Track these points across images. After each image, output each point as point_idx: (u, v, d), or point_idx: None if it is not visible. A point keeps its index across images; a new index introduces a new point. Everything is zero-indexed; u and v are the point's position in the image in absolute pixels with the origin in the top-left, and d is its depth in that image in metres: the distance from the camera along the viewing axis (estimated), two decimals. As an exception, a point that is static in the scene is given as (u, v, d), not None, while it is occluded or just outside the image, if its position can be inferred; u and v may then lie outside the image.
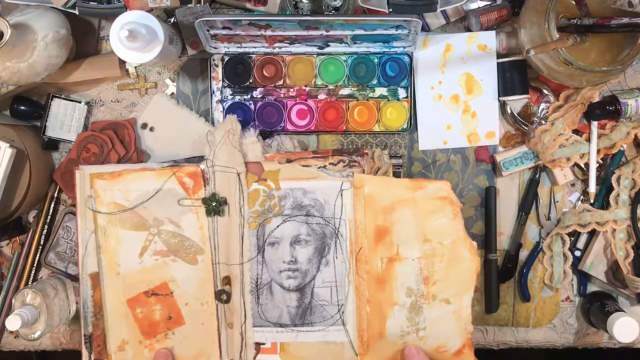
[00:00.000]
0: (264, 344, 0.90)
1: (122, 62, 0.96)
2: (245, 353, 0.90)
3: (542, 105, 0.94)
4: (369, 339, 0.89)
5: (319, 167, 0.89)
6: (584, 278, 0.97)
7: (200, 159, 0.96)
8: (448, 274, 0.87)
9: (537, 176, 0.95)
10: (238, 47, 0.95)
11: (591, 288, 0.98)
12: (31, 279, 0.98)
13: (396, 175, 0.93)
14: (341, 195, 0.88)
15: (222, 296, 0.89)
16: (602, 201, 0.95)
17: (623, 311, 0.90)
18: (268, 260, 0.89)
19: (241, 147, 0.89)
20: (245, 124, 0.96)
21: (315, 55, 0.95)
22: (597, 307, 0.92)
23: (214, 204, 0.88)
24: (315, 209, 0.89)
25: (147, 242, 0.89)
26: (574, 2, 0.85)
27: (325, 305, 0.89)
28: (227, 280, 0.89)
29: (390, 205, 0.87)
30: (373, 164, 0.91)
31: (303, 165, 0.89)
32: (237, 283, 0.89)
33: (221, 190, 0.88)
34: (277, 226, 0.89)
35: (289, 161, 0.90)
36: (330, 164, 0.89)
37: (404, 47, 0.94)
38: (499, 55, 0.94)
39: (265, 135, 0.95)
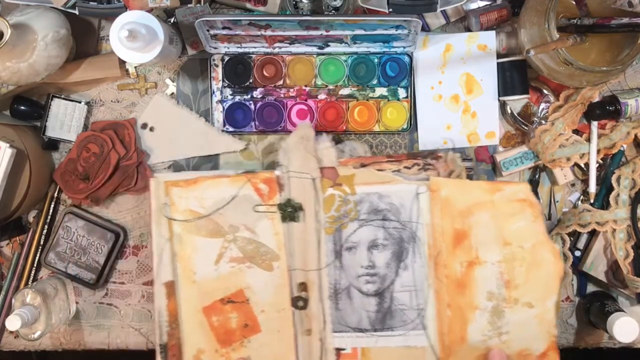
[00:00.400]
0: (344, 349, 0.89)
1: (122, 62, 0.96)
2: (326, 359, 0.88)
3: (542, 105, 0.94)
4: (451, 344, 0.87)
5: (393, 171, 0.88)
6: (584, 278, 0.97)
7: (205, 159, 0.97)
8: (529, 277, 0.86)
9: (537, 176, 0.95)
10: (238, 47, 0.95)
11: (591, 288, 0.98)
12: (31, 279, 0.98)
13: (469, 178, 0.91)
14: (417, 199, 0.87)
15: (299, 303, 0.88)
16: (602, 201, 0.95)
17: (623, 311, 0.90)
18: (346, 266, 0.89)
19: (316, 153, 0.88)
20: (245, 124, 0.96)
21: (315, 55, 0.95)
22: (597, 307, 0.92)
23: (289, 210, 0.87)
24: (392, 213, 0.88)
25: (222, 249, 0.89)
26: (574, 2, 0.85)
27: (405, 310, 0.88)
28: (303, 286, 0.88)
29: (468, 209, 0.86)
30: (446, 167, 0.89)
31: (377, 170, 0.88)
32: (315, 289, 0.88)
33: (296, 196, 0.88)
34: (354, 231, 0.89)
35: (363, 166, 0.89)
36: (404, 167, 0.88)
37: (404, 47, 0.94)
38: (499, 55, 0.94)
39: (336, 140, 0.94)
